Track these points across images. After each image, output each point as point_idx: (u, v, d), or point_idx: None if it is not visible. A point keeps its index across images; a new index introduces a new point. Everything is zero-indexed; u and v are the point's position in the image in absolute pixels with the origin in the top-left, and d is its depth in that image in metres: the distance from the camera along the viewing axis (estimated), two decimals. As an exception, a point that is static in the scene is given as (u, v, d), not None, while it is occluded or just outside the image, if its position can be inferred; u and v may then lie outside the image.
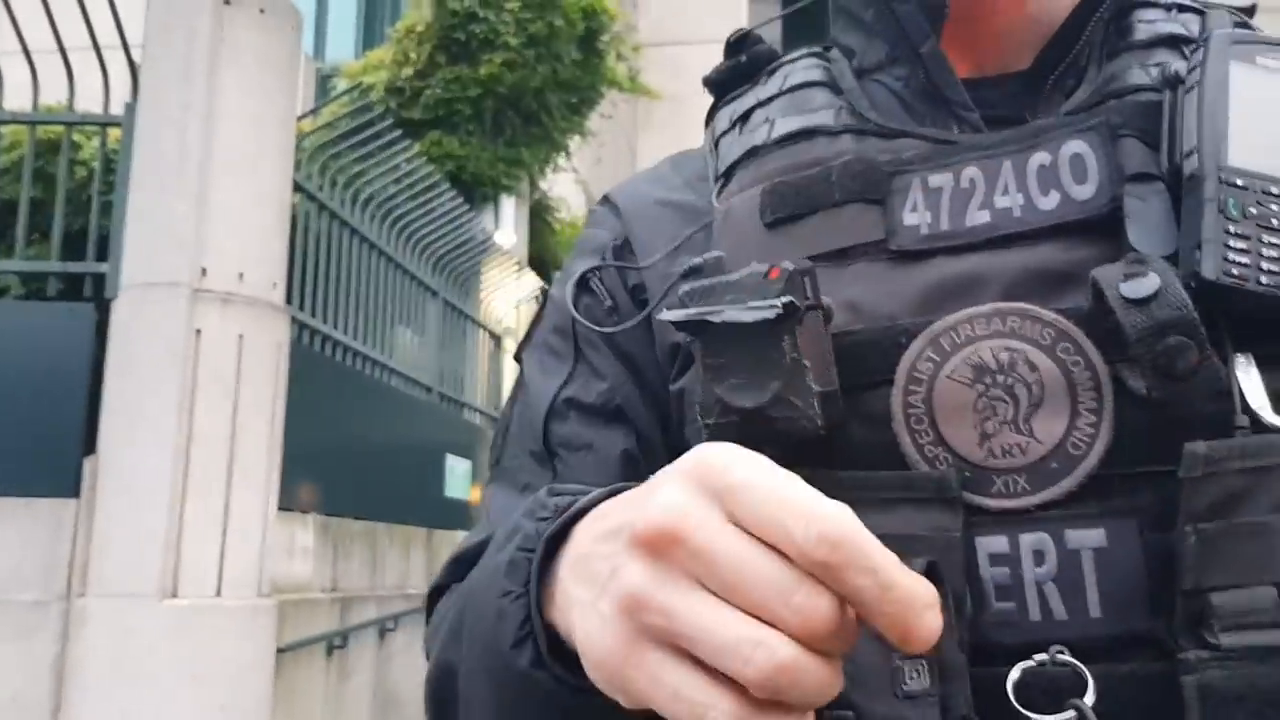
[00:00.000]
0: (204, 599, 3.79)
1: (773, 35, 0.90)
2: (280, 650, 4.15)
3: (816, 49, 0.84)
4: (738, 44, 0.86)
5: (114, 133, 4.53)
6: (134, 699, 3.62)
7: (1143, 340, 0.59)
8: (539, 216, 10.34)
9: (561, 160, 9.70)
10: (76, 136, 4.84)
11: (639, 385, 0.81)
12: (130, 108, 4.26)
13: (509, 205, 9.29)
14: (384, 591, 5.66)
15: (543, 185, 10.26)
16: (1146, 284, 0.60)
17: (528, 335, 0.89)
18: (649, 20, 14.63)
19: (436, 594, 0.83)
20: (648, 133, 14.02)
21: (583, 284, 0.84)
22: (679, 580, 0.46)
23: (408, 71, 8.56)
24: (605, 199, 0.90)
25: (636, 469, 0.79)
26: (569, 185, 10.94)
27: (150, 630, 3.66)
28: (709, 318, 0.65)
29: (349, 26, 12.91)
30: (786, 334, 0.63)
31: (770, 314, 0.62)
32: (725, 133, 0.83)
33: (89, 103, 4.58)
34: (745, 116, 0.82)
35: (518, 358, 0.90)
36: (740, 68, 0.85)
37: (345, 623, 5.09)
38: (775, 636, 0.44)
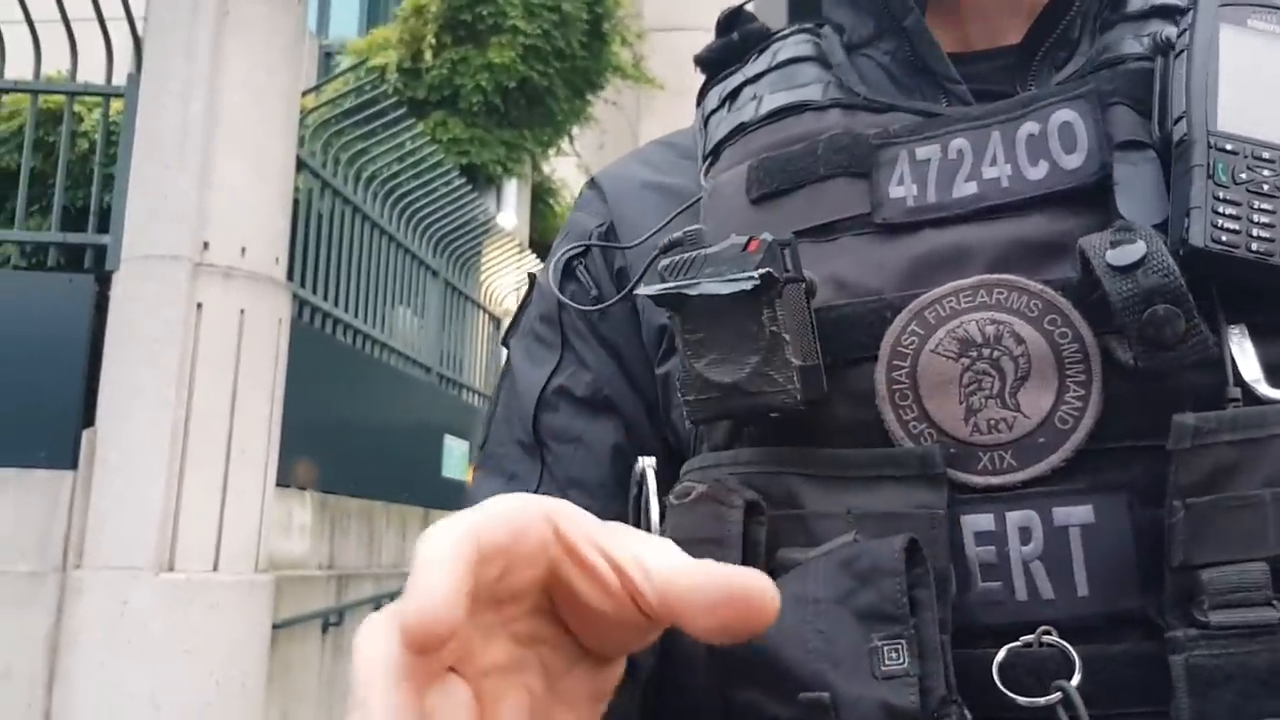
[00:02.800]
0: (200, 573, 3.78)
1: (779, 17, 0.89)
2: (276, 626, 4.15)
3: (808, 25, 0.83)
4: (729, 22, 0.85)
5: (116, 104, 4.50)
6: (128, 672, 3.62)
7: (1128, 308, 0.58)
8: (541, 199, 10.33)
9: (565, 144, 9.68)
10: (78, 107, 4.81)
11: (626, 375, 0.80)
12: (133, 79, 4.24)
13: (511, 188, 9.28)
14: (380, 569, 5.66)
15: (545, 168, 10.25)
16: (1132, 251, 0.59)
17: (514, 322, 0.88)
18: (653, 6, 14.59)
19: None
20: (650, 117, 13.98)
21: (568, 272, 0.83)
22: None
23: (413, 51, 8.54)
24: (592, 182, 0.89)
25: (626, 461, 0.78)
26: (571, 169, 10.93)
27: (146, 604, 3.66)
28: (686, 290, 0.64)
29: (353, 3, 12.85)
30: (765, 307, 0.62)
31: (747, 285, 0.61)
32: (714, 111, 0.82)
33: (92, 74, 4.55)
34: (734, 94, 0.81)
35: (505, 343, 0.89)
36: (732, 46, 0.84)
37: (341, 600, 5.10)
38: None
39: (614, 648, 0.46)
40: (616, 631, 0.44)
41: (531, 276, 0.90)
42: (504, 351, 0.90)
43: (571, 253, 0.84)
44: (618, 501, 0.76)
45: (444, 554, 0.38)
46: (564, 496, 0.78)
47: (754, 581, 0.42)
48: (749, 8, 0.86)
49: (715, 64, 0.85)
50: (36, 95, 4.63)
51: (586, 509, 0.81)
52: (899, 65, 0.75)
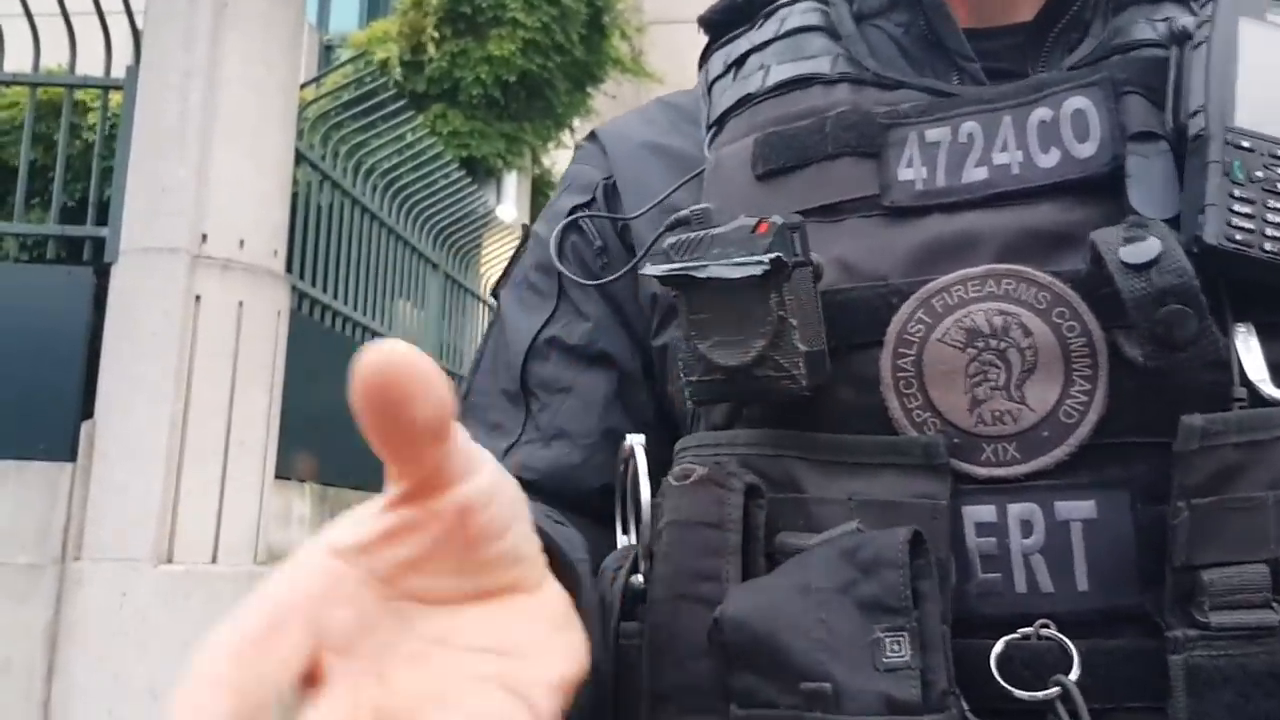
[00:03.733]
0: (199, 565, 3.78)
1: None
2: (275, 618, 4.14)
3: None
4: None
5: (115, 97, 4.50)
6: (128, 663, 3.62)
7: (1141, 307, 0.58)
8: (541, 192, 10.31)
9: (565, 137, 9.67)
10: (79, 97, 4.80)
11: (624, 328, 0.79)
12: (132, 71, 4.23)
13: (511, 180, 9.27)
14: (379, 563, 5.65)
15: (545, 161, 10.23)
16: (1147, 249, 0.58)
17: (506, 272, 0.87)
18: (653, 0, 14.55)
19: None
20: (651, 111, 13.93)
21: (571, 222, 0.82)
22: None
23: (414, 43, 8.53)
24: (592, 135, 0.88)
25: (617, 415, 0.77)
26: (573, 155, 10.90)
27: (145, 595, 3.66)
28: (693, 273, 0.63)
29: (353, -3, 12.83)
30: (773, 291, 0.61)
31: (756, 270, 0.60)
32: (719, 77, 0.80)
33: (90, 67, 4.55)
34: (740, 61, 0.79)
35: (495, 294, 0.88)
36: (737, 7, 0.82)
37: (340, 593, 5.09)
38: None
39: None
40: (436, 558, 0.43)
41: (525, 227, 0.89)
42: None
43: (576, 204, 0.83)
44: (603, 453, 0.76)
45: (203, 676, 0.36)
46: (547, 446, 0.79)
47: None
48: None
49: (719, 26, 0.83)
50: (35, 88, 4.62)
51: (570, 460, 0.79)
52: (912, 39, 0.74)
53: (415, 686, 0.40)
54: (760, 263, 0.60)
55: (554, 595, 0.48)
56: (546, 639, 0.45)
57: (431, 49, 8.54)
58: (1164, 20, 0.69)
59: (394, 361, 0.40)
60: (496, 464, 0.45)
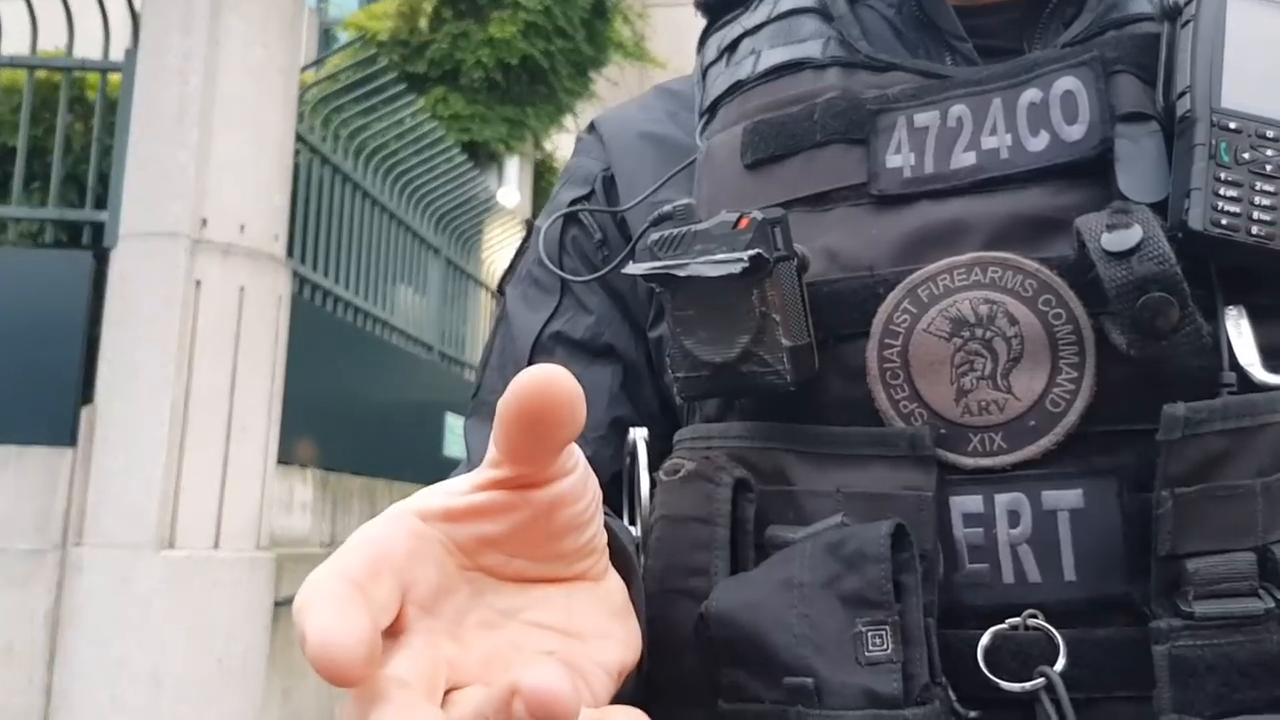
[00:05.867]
0: (201, 551, 3.79)
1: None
2: (277, 603, 4.16)
3: None
4: None
5: (114, 79, 4.48)
6: (129, 649, 3.63)
7: (1122, 295, 0.57)
8: (543, 177, 10.30)
9: (567, 122, 9.65)
10: (78, 78, 4.78)
11: (627, 320, 0.79)
12: (130, 55, 4.21)
13: (513, 165, 9.25)
14: (381, 548, 5.66)
15: (547, 146, 10.22)
16: (1129, 236, 0.57)
17: (511, 267, 0.87)
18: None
19: None
20: (654, 95, 13.94)
21: (572, 216, 0.82)
22: None
23: (412, 25, 8.50)
24: (591, 127, 0.88)
25: (623, 407, 0.78)
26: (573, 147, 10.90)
27: (146, 581, 3.67)
28: (674, 271, 0.63)
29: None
30: (755, 287, 0.61)
31: (735, 269, 0.60)
32: (713, 63, 0.79)
33: (89, 50, 4.53)
34: (733, 46, 0.78)
35: (500, 290, 0.88)
36: None
37: (342, 578, 5.09)
38: None
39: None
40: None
41: (528, 222, 0.89)
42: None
43: (575, 197, 0.83)
44: (611, 446, 0.76)
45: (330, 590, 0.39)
46: None
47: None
48: None
49: (717, 9, 0.82)
50: (33, 70, 4.60)
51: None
52: (904, 19, 0.73)
53: (485, 650, 0.44)
54: (740, 260, 0.60)
55: (615, 587, 0.52)
56: (606, 626, 0.50)
57: (424, 24, 8.48)
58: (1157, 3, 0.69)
59: (555, 388, 0.42)
60: (585, 462, 0.48)
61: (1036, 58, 0.67)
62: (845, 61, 0.72)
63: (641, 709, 0.64)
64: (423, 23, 8.48)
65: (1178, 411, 0.57)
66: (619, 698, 0.48)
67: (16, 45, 4.54)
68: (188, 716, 3.66)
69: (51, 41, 4.63)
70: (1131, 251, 0.57)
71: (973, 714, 0.58)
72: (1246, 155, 0.60)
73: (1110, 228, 0.58)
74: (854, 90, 0.70)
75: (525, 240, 0.88)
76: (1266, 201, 0.59)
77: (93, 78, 4.70)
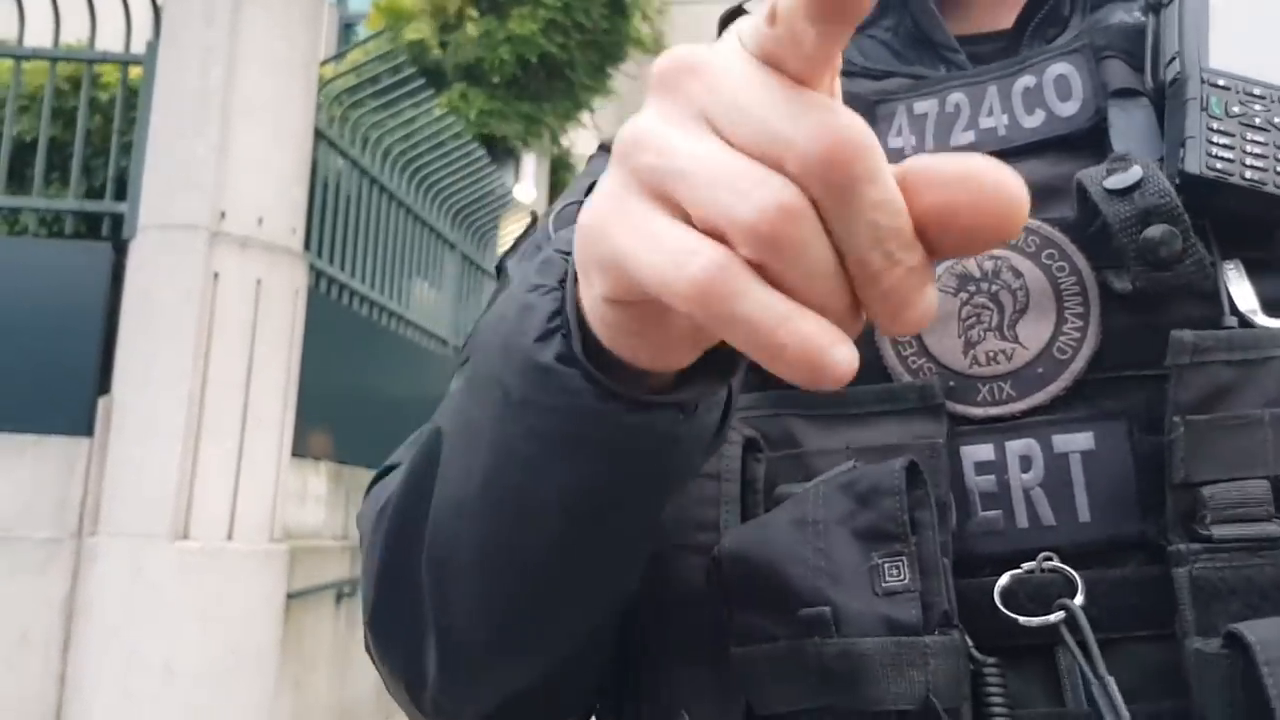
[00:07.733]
0: (215, 542, 3.80)
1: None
2: (290, 596, 4.17)
3: None
4: (729, 21, 0.85)
5: (135, 72, 4.49)
6: (143, 638, 3.65)
7: (1125, 229, 0.59)
8: (560, 173, 10.30)
9: (584, 118, 9.65)
10: (99, 70, 4.80)
11: None
12: (152, 47, 4.23)
13: (530, 161, 9.25)
14: (394, 542, 5.67)
15: (564, 142, 10.22)
16: (1129, 175, 0.60)
17: (514, 246, 0.88)
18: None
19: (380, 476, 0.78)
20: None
21: (581, 203, 0.82)
22: (685, 119, 0.38)
23: (441, 22, 8.51)
24: (602, 147, 0.89)
25: None
26: (591, 143, 10.88)
27: (161, 571, 3.68)
28: None
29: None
30: None
31: None
32: None
33: (111, 42, 4.54)
34: None
35: (502, 264, 0.88)
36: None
37: (355, 571, 5.11)
38: (783, 180, 0.36)
39: None
40: None
41: (534, 214, 0.90)
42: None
43: (572, 201, 0.83)
44: None
45: None
46: None
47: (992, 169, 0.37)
48: (748, 7, 0.86)
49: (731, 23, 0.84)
50: (55, 63, 4.62)
51: None
52: (900, 39, 0.77)
53: None
54: None
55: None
56: None
57: (471, 29, 8.49)
58: (1139, 5, 0.72)
59: None
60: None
61: (1028, 53, 0.71)
62: (845, 71, 0.75)
63: (636, 671, 0.65)
64: (470, 28, 8.49)
65: (1186, 337, 0.58)
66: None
67: (39, 38, 4.56)
68: (200, 706, 3.67)
69: (73, 34, 4.66)
70: (1133, 188, 0.59)
71: (990, 660, 0.58)
72: (1236, 109, 0.62)
73: (1110, 172, 0.61)
74: (854, 90, 0.73)
75: (530, 226, 0.88)
76: (1258, 150, 0.61)
77: (113, 70, 4.72)
